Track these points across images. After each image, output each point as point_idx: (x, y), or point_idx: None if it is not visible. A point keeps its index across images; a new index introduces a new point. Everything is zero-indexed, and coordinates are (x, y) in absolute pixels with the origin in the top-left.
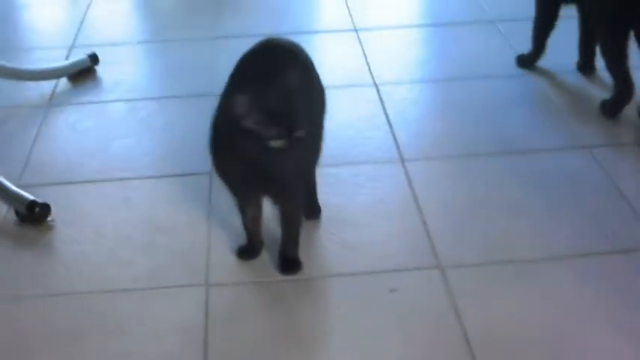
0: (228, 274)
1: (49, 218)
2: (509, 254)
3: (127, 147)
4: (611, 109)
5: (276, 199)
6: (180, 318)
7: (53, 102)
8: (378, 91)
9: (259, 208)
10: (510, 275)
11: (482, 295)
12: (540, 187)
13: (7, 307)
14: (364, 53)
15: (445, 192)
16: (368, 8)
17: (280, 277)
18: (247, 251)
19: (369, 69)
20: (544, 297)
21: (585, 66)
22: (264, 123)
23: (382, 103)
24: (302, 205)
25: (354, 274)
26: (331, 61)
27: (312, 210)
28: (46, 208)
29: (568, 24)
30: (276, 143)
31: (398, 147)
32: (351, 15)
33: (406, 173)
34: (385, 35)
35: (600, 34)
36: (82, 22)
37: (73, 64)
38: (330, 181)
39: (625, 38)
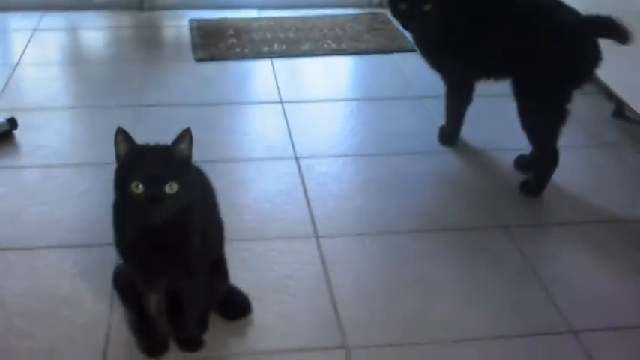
0: (127, 352)
1: None
2: (419, 336)
3: (40, 215)
4: (538, 186)
5: (178, 276)
6: None
7: None
8: (298, 164)
9: (161, 293)
10: (418, 357)
11: None
12: (458, 268)
13: None
14: (288, 126)
15: (359, 270)
16: (296, 81)
17: (180, 354)
18: (155, 345)
19: (292, 142)
20: None
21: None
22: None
23: (302, 176)
24: (205, 285)
25: (257, 352)
26: (255, 133)
27: (235, 309)
28: None
29: (493, 101)
30: (137, 189)
31: (314, 222)
32: (278, 87)
33: (319, 249)
34: (310, 108)
35: (539, 105)
36: (5, 85)
37: None
38: (243, 256)
39: (568, 102)
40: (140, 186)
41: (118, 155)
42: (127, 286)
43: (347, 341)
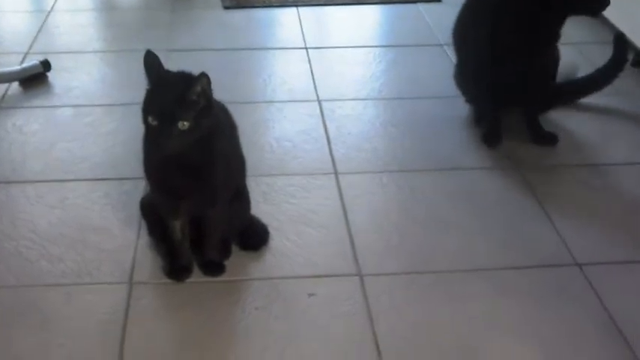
0: (152, 274)
1: None
2: (430, 265)
3: (69, 150)
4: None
5: (202, 202)
6: (103, 313)
7: (2, 105)
8: (320, 106)
9: (185, 219)
10: (428, 285)
11: (398, 303)
12: (470, 205)
13: None
14: (312, 70)
15: (376, 205)
16: (320, 28)
17: (203, 278)
18: (179, 269)
19: (314, 85)
20: (460, 307)
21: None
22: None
23: (323, 118)
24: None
25: (275, 278)
26: (279, 76)
27: (255, 240)
28: None
29: None
30: (152, 122)
31: (333, 160)
32: (303, 34)
33: (338, 185)
34: (334, 54)
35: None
36: (39, 31)
37: (24, 69)
38: (264, 190)
39: None
40: (154, 120)
41: (148, 79)
42: (153, 214)
43: (360, 269)
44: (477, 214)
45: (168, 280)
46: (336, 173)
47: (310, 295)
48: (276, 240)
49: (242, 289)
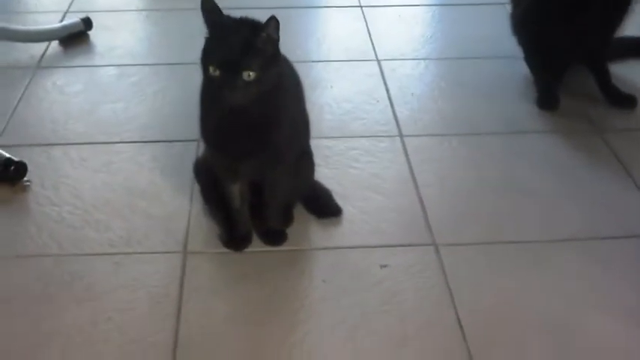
0: (207, 243)
1: (25, 178)
2: (510, 235)
3: (114, 111)
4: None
5: (265, 162)
6: (154, 285)
7: (42, 64)
8: (380, 66)
9: (245, 183)
10: (509, 256)
11: (478, 276)
12: (547, 169)
13: None
14: (368, 29)
15: (445, 170)
16: None
17: (263, 247)
18: (238, 238)
19: (372, 45)
20: (547, 279)
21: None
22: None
23: (384, 78)
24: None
25: (342, 247)
26: (334, 35)
27: (325, 207)
28: (22, 168)
29: None
30: (214, 72)
31: (397, 122)
32: None
33: (404, 149)
34: (390, 12)
35: None
36: None
37: (65, 27)
38: (325, 154)
39: None
40: (216, 70)
41: (205, 25)
42: (209, 177)
43: (435, 238)
44: (557, 179)
45: (226, 250)
46: (401, 135)
47: (382, 266)
48: (341, 206)
49: (306, 260)
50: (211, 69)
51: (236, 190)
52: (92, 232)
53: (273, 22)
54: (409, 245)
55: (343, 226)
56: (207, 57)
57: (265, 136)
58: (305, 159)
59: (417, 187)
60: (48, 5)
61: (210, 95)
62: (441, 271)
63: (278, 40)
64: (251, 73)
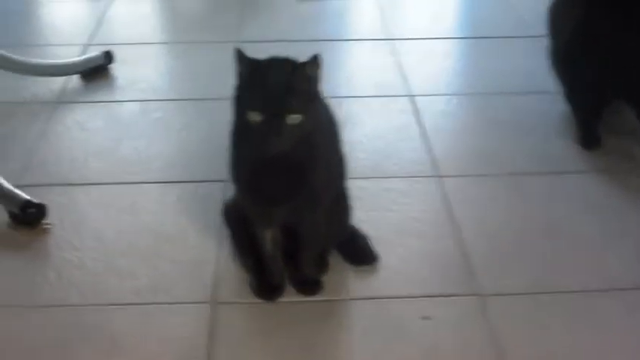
0: (237, 292)
1: (44, 221)
2: (560, 283)
3: (137, 149)
4: None
5: (301, 208)
6: (182, 338)
7: (62, 99)
8: (413, 102)
9: (278, 228)
10: (560, 306)
11: (527, 329)
12: (592, 211)
13: None
14: (398, 63)
15: (485, 212)
16: (403, 18)
17: (297, 297)
18: (270, 287)
19: (404, 79)
20: (601, 334)
21: None
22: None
23: (417, 114)
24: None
25: (381, 297)
26: (363, 70)
27: (361, 254)
28: (41, 210)
29: None
30: (255, 117)
31: (433, 161)
32: (385, 24)
33: (442, 190)
34: (421, 46)
35: None
36: (100, 21)
37: (86, 61)
38: (359, 195)
39: None
40: (258, 115)
41: (237, 73)
42: (240, 222)
43: (479, 288)
44: (603, 223)
45: (257, 300)
46: (438, 176)
47: (424, 318)
48: (378, 253)
49: (343, 311)
50: (251, 115)
51: (268, 236)
52: (115, 279)
53: (317, 61)
54: (452, 295)
55: (381, 274)
56: (246, 102)
57: (302, 179)
58: (341, 201)
59: (457, 230)
60: (68, 38)
61: (246, 140)
62: (486, 324)
63: (319, 80)
64: (296, 117)
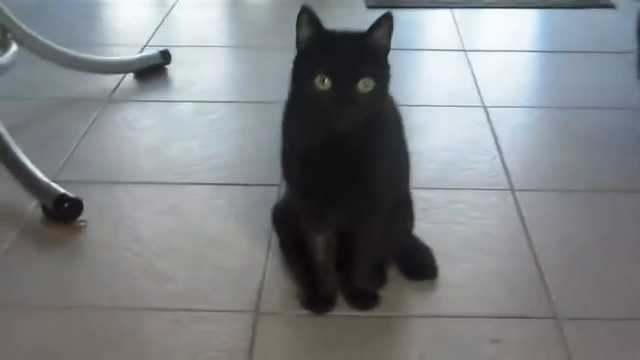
0: (284, 303)
1: (80, 218)
2: None
3: (188, 150)
4: None
5: (358, 209)
6: (219, 350)
7: (114, 97)
8: (486, 113)
9: (331, 233)
10: None
11: (609, 358)
12: None
13: (17, 317)
14: (473, 74)
15: (564, 230)
16: (479, 31)
17: (350, 311)
18: (320, 299)
19: (478, 90)
20: None
21: None
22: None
23: (491, 125)
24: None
25: (445, 316)
26: (436, 79)
27: (421, 267)
28: (77, 205)
29: None
30: (323, 85)
31: (508, 174)
32: (460, 35)
33: (516, 204)
34: (497, 58)
35: None
36: (161, 24)
37: (142, 59)
38: (423, 206)
39: None
40: (327, 80)
41: (299, 42)
42: (290, 225)
43: (556, 311)
44: None
45: (305, 312)
46: (512, 189)
47: (493, 341)
48: (443, 268)
49: (401, 329)
50: (318, 80)
51: (321, 242)
52: (151, 283)
53: (388, 22)
54: (525, 317)
55: (446, 291)
56: (314, 67)
57: (362, 173)
58: (404, 208)
59: (532, 248)
60: (125, 39)
61: (309, 117)
62: (563, 351)
63: (390, 46)
64: (368, 82)
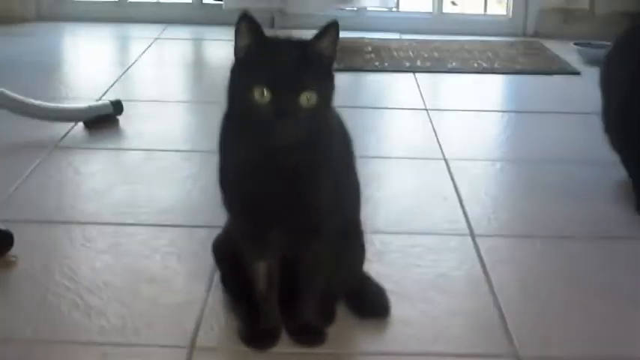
0: (223, 337)
1: (11, 253)
2: (613, 352)
3: (133, 193)
4: None
5: (299, 229)
6: None
7: (62, 144)
8: (447, 165)
9: (275, 262)
10: None
11: None
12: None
13: None
14: (434, 130)
15: (526, 273)
16: (442, 93)
17: (294, 348)
18: (262, 334)
19: (439, 144)
20: None
21: None
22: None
23: (452, 176)
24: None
25: (399, 354)
26: (396, 134)
27: (370, 305)
28: (7, 239)
29: None
30: (262, 97)
31: (468, 220)
32: (422, 97)
33: (476, 249)
34: (460, 117)
35: None
36: (118, 79)
37: (92, 108)
38: (379, 250)
39: None
40: (266, 92)
41: (238, 49)
42: (232, 256)
43: (517, 351)
44: None
45: (245, 348)
46: (472, 235)
47: None
48: (398, 307)
49: None
50: (257, 94)
51: (263, 270)
52: (80, 317)
53: (334, 29)
54: (485, 356)
55: (401, 328)
56: (252, 78)
57: (302, 191)
58: (352, 238)
59: (492, 290)
60: (80, 92)
61: (246, 131)
62: None
63: (335, 56)
64: (311, 95)
